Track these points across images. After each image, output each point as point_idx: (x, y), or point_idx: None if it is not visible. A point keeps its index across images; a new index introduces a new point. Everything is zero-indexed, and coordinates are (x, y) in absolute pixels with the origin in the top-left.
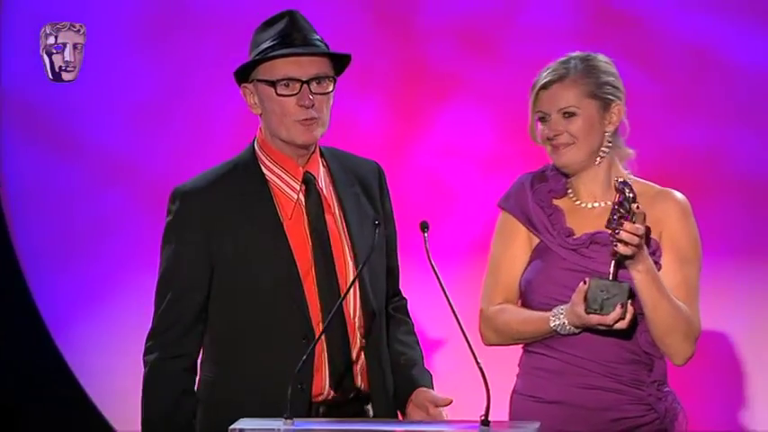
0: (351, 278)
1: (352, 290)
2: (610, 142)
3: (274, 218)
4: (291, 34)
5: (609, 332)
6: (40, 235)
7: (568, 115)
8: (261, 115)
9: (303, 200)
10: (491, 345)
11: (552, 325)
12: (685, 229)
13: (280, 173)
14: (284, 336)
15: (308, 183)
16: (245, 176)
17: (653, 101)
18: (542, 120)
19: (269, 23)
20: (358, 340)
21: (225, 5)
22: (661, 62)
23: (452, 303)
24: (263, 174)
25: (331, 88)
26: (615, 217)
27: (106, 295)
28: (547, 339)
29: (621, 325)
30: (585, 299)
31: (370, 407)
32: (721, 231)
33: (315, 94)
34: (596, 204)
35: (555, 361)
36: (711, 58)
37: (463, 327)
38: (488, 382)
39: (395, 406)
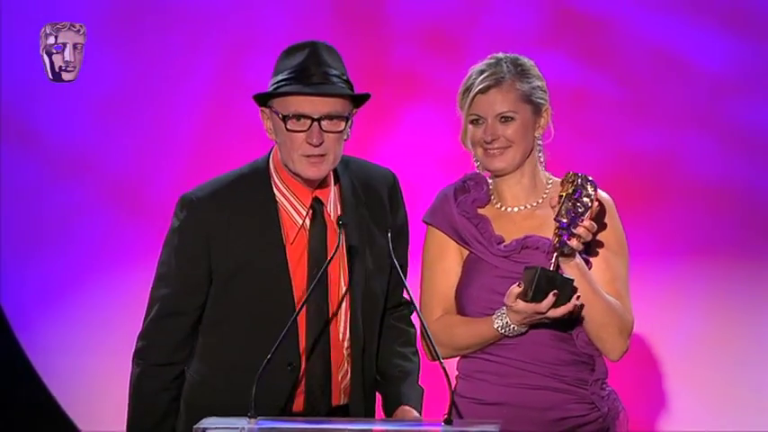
0: (344, 303)
1: (343, 313)
2: (539, 145)
3: (277, 241)
4: (309, 68)
5: (546, 330)
6: (1, 232)
7: (506, 120)
8: (275, 140)
9: (308, 225)
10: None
11: (496, 326)
12: (612, 227)
13: (289, 196)
14: (271, 361)
15: (316, 209)
16: (255, 192)
17: (611, 104)
18: (475, 123)
19: (291, 52)
20: (345, 362)
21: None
22: (620, 65)
23: (416, 304)
24: (273, 193)
25: (342, 127)
26: (568, 210)
27: (71, 293)
28: (487, 346)
29: (555, 314)
30: (528, 289)
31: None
32: (677, 234)
33: (325, 131)
34: (521, 208)
35: (495, 364)
36: (669, 61)
37: (426, 326)
38: (452, 382)
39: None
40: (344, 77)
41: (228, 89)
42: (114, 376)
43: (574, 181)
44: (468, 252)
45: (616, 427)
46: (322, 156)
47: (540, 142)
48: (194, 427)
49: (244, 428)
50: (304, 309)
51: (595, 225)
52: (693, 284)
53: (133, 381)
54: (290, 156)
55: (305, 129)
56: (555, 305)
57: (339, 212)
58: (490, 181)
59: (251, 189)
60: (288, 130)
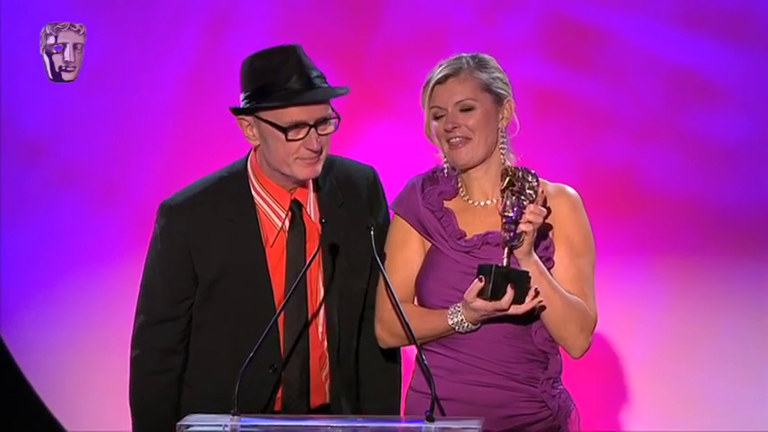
0: (322, 304)
1: (321, 315)
2: (504, 139)
3: (257, 244)
4: (302, 75)
5: (501, 327)
6: None
7: (466, 109)
8: (258, 147)
9: (287, 228)
10: (388, 346)
11: (450, 323)
12: (577, 224)
13: (268, 199)
14: (252, 364)
15: (294, 211)
16: (234, 196)
17: (575, 112)
18: (437, 117)
19: (269, 59)
20: (326, 364)
21: None
22: (586, 74)
23: (398, 301)
24: (252, 196)
25: (332, 128)
26: (513, 204)
27: (54, 291)
28: (444, 339)
29: (518, 310)
30: (485, 286)
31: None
32: (639, 243)
33: (321, 135)
34: (488, 202)
35: (451, 360)
36: (631, 71)
37: (409, 324)
38: (433, 379)
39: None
40: (325, 77)
41: (211, 69)
42: (99, 375)
43: (515, 174)
44: (430, 244)
45: (567, 425)
46: (318, 155)
47: (504, 136)
48: (178, 424)
49: (227, 426)
50: (284, 311)
51: (543, 209)
52: (654, 293)
53: (132, 391)
54: (285, 161)
55: (302, 136)
56: (515, 300)
57: (317, 214)
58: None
59: (230, 193)
60: (288, 140)
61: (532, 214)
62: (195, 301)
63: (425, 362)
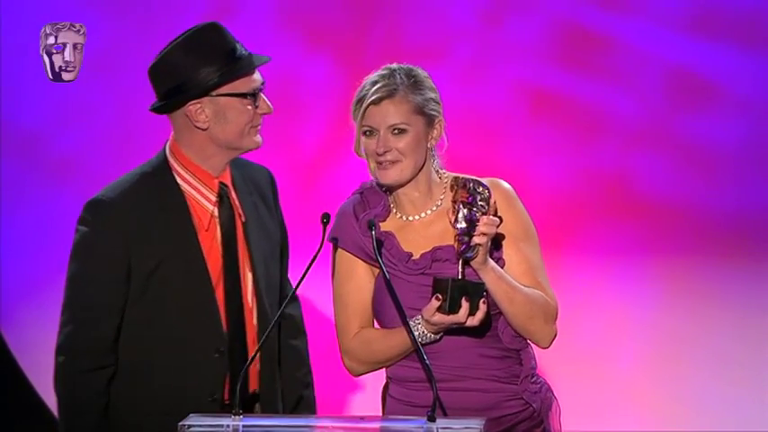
0: (252, 288)
1: (252, 300)
2: (433, 156)
3: (190, 230)
4: (236, 46)
5: (467, 331)
6: None
7: (398, 132)
8: (207, 129)
9: (218, 211)
10: (359, 375)
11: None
12: (516, 216)
13: (196, 184)
14: (197, 350)
15: (223, 194)
16: (159, 187)
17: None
18: (368, 134)
19: (203, 40)
20: (256, 347)
21: None
22: (579, 81)
23: (399, 300)
24: (178, 185)
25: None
26: (465, 216)
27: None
28: (414, 354)
29: (473, 321)
30: (443, 301)
31: (258, 405)
32: (629, 249)
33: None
34: (422, 215)
35: (423, 372)
36: (624, 77)
37: (409, 323)
38: (435, 380)
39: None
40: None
41: None
42: None
43: (465, 186)
44: (378, 270)
45: (549, 418)
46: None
47: (434, 154)
48: (179, 424)
49: (228, 426)
50: (222, 295)
51: (496, 219)
52: (649, 294)
53: (62, 392)
54: (243, 131)
55: (258, 101)
56: (470, 312)
57: (236, 199)
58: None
59: (156, 185)
60: (255, 106)
61: (486, 225)
62: (130, 296)
63: (427, 361)
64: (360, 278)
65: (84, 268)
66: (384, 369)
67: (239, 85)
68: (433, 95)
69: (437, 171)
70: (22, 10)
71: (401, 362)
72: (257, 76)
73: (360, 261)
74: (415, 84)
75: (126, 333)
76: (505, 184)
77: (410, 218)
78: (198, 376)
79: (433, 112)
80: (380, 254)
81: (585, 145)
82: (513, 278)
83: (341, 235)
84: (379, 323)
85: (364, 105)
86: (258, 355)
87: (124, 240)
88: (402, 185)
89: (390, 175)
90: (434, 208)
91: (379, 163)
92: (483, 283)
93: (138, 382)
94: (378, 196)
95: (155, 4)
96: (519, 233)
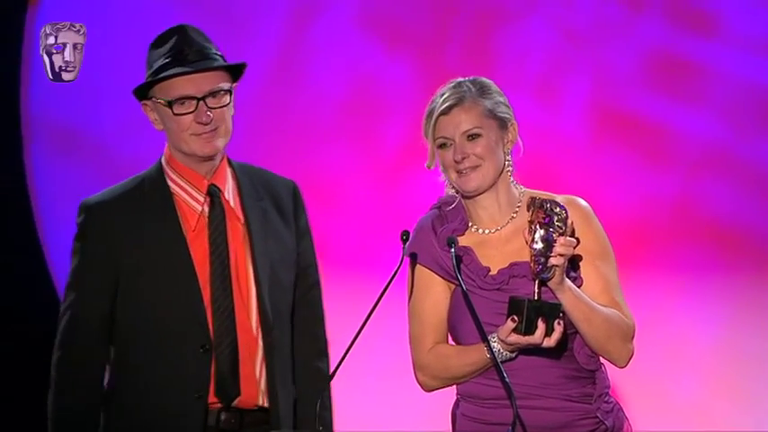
0: (251, 289)
1: (252, 300)
2: (509, 162)
3: (177, 231)
4: (183, 50)
5: (543, 351)
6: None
7: (473, 137)
8: (164, 130)
9: (207, 212)
10: (431, 390)
11: (489, 355)
12: (594, 234)
13: (185, 185)
14: (183, 346)
15: (213, 195)
16: (150, 190)
17: (627, 145)
18: (443, 146)
19: (161, 41)
20: (259, 352)
21: None
22: (636, 110)
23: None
24: (168, 187)
25: (228, 100)
26: (542, 237)
27: None
28: (488, 372)
29: (549, 343)
30: (519, 322)
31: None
32: (692, 275)
33: (212, 108)
34: (499, 228)
35: (496, 389)
36: (684, 104)
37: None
38: (515, 396)
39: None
40: (219, 53)
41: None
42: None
43: (542, 206)
44: (454, 285)
45: None
46: (213, 130)
47: (509, 158)
48: None
49: None
50: (209, 294)
51: (573, 240)
52: (709, 324)
53: (53, 394)
54: (182, 138)
55: (192, 110)
56: (546, 333)
57: (238, 202)
58: (465, 203)
59: (147, 187)
60: (175, 114)
61: (563, 246)
62: (119, 297)
63: (507, 379)
64: (437, 293)
65: (73, 270)
66: (455, 386)
67: (163, 92)
68: (501, 99)
69: (514, 184)
70: (108, 18)
71: (474, 379)
72: (185, 83)
73: (437, 277)
74: (482, 89)
75: (114, 331)
76: (583, 202)
77: (487, 231)
78: (183, 373)
79: (505, 115)
80: (459, 270)
81: (650, 168)
82: (590, 297)
83: (419, 250)
84: (454, 339)
85: (435, 117)
86: (261, 360)
87: (109, 243)
88: (484, 191)
89: (472, 181)
90: (510, 218)
91: (459, 171)
92: (559, 304)
93: (126, 379)
94: (455, 211)
95: (234, 6)
96: (596, 251)
